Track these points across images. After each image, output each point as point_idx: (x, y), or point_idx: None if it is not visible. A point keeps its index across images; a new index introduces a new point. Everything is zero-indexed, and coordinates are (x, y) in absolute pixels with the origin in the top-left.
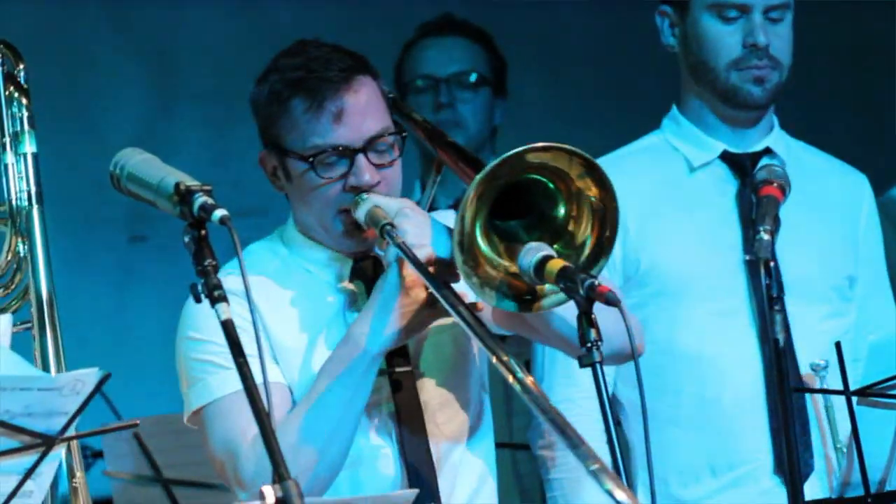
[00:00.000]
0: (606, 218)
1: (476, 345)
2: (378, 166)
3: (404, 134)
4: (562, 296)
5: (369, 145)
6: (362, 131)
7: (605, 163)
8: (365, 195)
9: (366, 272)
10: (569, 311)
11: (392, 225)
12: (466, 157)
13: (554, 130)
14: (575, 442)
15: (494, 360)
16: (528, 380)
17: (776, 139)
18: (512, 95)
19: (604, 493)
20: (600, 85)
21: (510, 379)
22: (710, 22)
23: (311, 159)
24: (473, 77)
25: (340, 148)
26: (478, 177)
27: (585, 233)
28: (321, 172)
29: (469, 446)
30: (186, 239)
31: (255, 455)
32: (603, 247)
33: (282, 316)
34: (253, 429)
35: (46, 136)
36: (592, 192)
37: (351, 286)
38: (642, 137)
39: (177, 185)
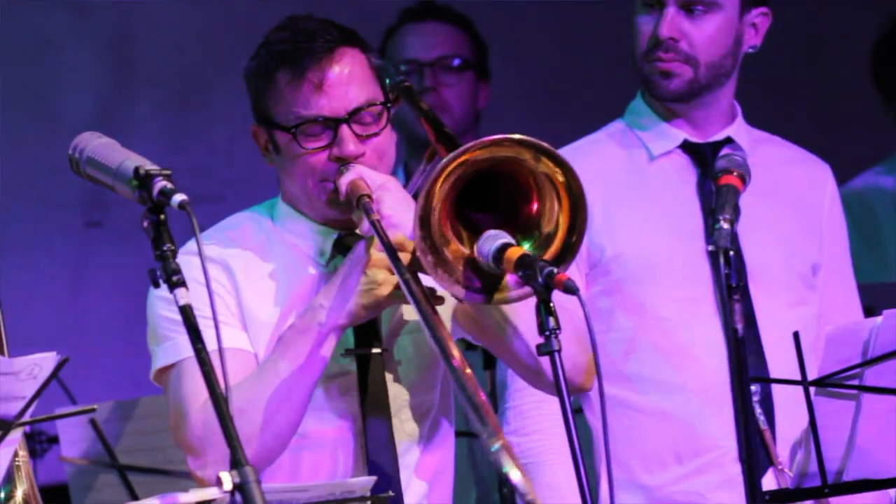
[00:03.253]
0: (577, 219)
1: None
2: (363, 137)
3: (390, 105)
4: (517, 293)
5: (353, 115)
6: (345, 101)
7: (571, 150)
8: (351, 165)
9: (348, 247)
10: (529, 330)
11: (370, 198)
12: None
13: (518, 119)
14: (485, 421)
15: (436, 348)
16: (462, 367)
17: (738, 129)
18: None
19: (502, 473)
20: (565, 73)
21: (444, 362)
22: (637, 12)
23: (293, 130)
24: (457, 61)
25: (323, 118)
26: (444, 161)
27: (555, 232)
28: (304, 143)
29: (425, 451)
30: (145, 223)
31: (202, 419)
32: (569, 247)
33: (258, 289)
34: (205, 392)
35: (3, 119)
36: (559, 180)
37: (334, 263)
38: (607, 125)
39: (136, 169)
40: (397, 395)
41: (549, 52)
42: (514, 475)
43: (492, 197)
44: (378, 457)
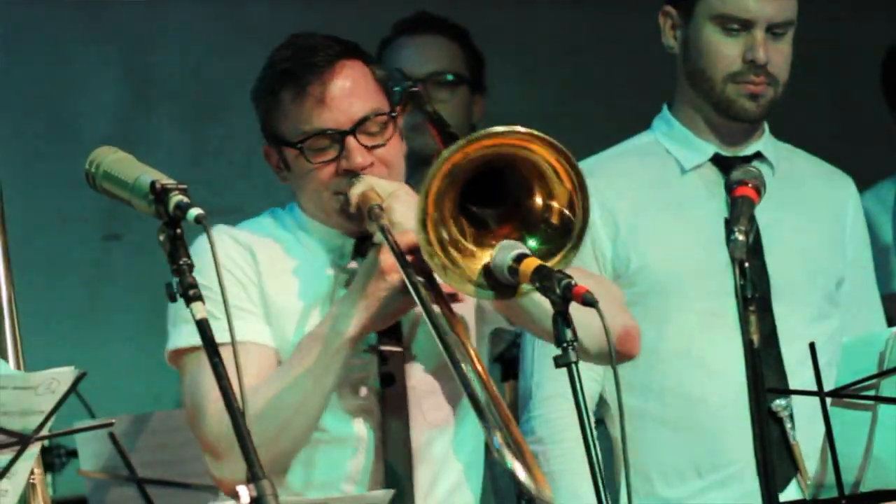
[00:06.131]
0: (582, 206)
1: (474, 337)
2: (371, 147)
3: (394, 114)
4: (520, 289)
5: (358, 127)
6: (350, 113)
7: (597, 162)
8: (361, 176)
9: (367, 252)
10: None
11: (381, 207)
12: None
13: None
14: (491, 423)
15: (448, 361)
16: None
17: (766, 143)
18: (487, 94)
19: (506, 469)
20: (577, 84)
21: (453, 371)
22: (712, 32)
23: (300, 145)
24: (450, 77)
25: (328, 131)
26: (444, 153)
27: (560, 221)
28: (312, 157)
29: (454, 439)
30: (161, 238)
31: (219, 419)
32: (579, 233)
33: (281, 281)
34: None
35: (21, 133)
36: (564, 179)
37: (353, 265)
38: (632, 137)
39: (152, 183)
40: (417, 386)
41: (561, 63)
42: (522, 475)
43: (493, 191)
44: (394, 455)
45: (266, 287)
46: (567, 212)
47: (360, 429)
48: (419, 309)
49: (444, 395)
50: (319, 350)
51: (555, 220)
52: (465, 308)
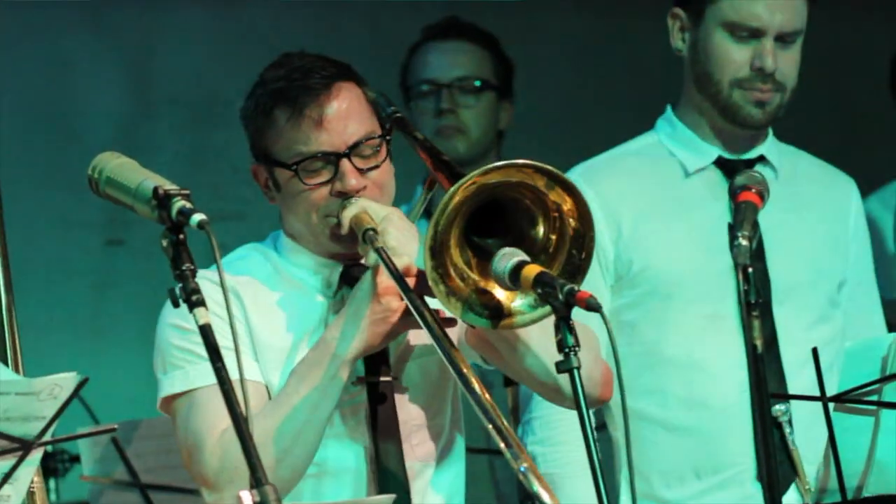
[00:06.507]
0: (584, 241)
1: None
2: (364, 170)
3: (388, 137)
4: (530, 317)
5: (353, 150)
6: (345, 136)
7: (599, 163)
8: (354, 199)
9: (355, 278)
10: (542, 348)
11: (375, 230)
12: (455, 174)
13: (534, 136)
14: (509, 441)
15: (453, 371)
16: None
17: (769, 146)
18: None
19: (532, 493)
20: (580, 90)
21: (467, 394)
22: (721, 37)
23: (294, 167)
24: (477, 83)
25: (323, 154)
26: (453, 188)
27: (563, 257)
28: (306, 179)
29: (439, 470)
30: (164, 243)
31: (220, 451)
32: (580, 269)
33: (267, 318)
34: (222, 424)
35: (25, 138)
36: (568, 206)
37: (341, 292)
38: (635, 138)
39: (155, 189)
40: (408, 420)
41: (567, 72)
42: (546, 498)
43: (498, 222)
44: (389, 485)
45: (254, 325)
46: (570, 242)
47: (355, 460)
48: (414, 334)
49: (428, 431)
50: (317, 375)
51: (555, 249)
52: (453, 335)
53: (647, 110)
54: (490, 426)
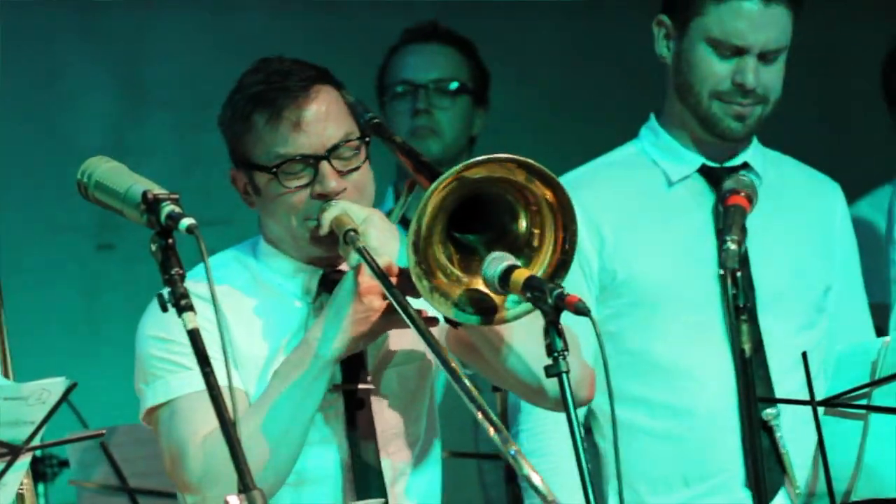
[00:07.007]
0: (568, 233)
1: (430, 383)
2: (344, 172)
3: (367, 139)
4: (515, 311)
5: (332, 152)
6: (324, 139)
7: (583, 173)
8: (333, 201)
9: (335, 283)
10: (524, 347)
11: (356, 231)
12: (435, 175)
13: (523, 139)
14: (498, 427)
15: (440, 361)
16: (470, 386)
17: (754, 153)
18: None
19: (521, 477)
20: (569, 93)
21: (455, 385)
22: (704, 51)
23: (274, 169)
24: (454, 85)
25: (303, 156)
26: (433, 185)
27: (547, 250)
28: (285, 181)
29: (415, 475)
30: (153, 247)
31: (202, 456)
32: (564, 262)
33: (246, 326)
34: (204, 430)
35: (14, 142)
36: (549, 199)
37: (321, 298)
38: (619, 147)
39: (144, 193)
40: (385, 428)
41: (553, 72)
42: (535, 478)
43: (480, 218)
44: (367, 491)
45: (234, 334)
46: (553, 235)
47: (333, 467)
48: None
49: (406, 438)
50: (299, 376)
51: (539, 243)
52: (435, 335)
53: (638, 114)
54: (479, 414)
